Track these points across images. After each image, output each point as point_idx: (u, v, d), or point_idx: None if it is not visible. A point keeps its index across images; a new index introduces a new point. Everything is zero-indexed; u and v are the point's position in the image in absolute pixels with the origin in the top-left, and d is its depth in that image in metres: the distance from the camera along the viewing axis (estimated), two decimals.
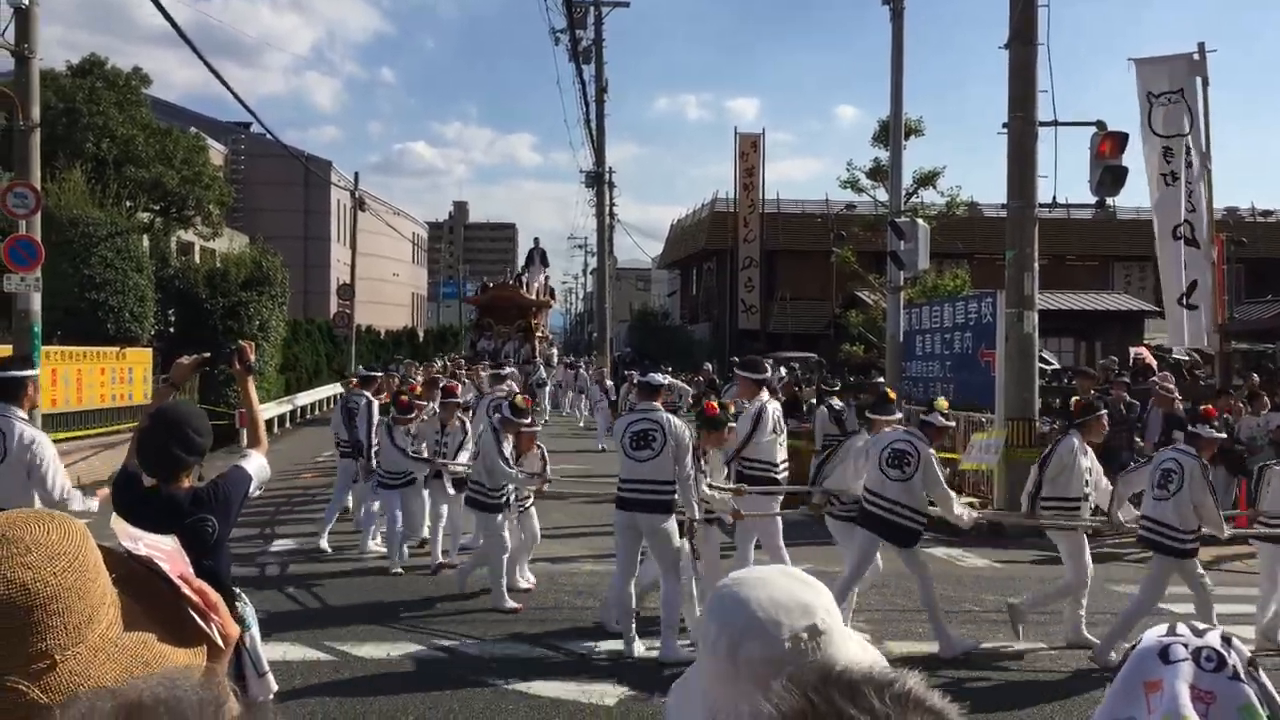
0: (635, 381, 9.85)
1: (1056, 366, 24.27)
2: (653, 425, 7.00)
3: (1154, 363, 18.82)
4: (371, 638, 7.31)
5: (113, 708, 0.84)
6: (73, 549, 1.27)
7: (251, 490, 3.74)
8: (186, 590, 1.47)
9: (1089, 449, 7.69)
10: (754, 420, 8.07)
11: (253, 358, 4.11)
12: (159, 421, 3.54)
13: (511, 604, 8.17)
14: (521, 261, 44.41)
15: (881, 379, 16.19)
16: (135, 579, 1.44)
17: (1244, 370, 18.76)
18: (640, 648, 6.94)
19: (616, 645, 7.09)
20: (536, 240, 38.00)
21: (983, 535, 11.45)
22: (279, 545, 10.70)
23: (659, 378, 7.65)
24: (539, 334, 33.28)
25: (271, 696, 3.90)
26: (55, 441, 6.13)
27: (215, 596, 1.50)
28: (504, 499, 8.50)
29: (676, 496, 7.00)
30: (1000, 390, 11.91)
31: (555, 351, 36.42)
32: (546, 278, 36.84)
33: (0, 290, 11.97)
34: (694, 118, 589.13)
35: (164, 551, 1.51)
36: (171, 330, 20.88)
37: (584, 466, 14.78)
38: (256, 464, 3.80)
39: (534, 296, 34.18)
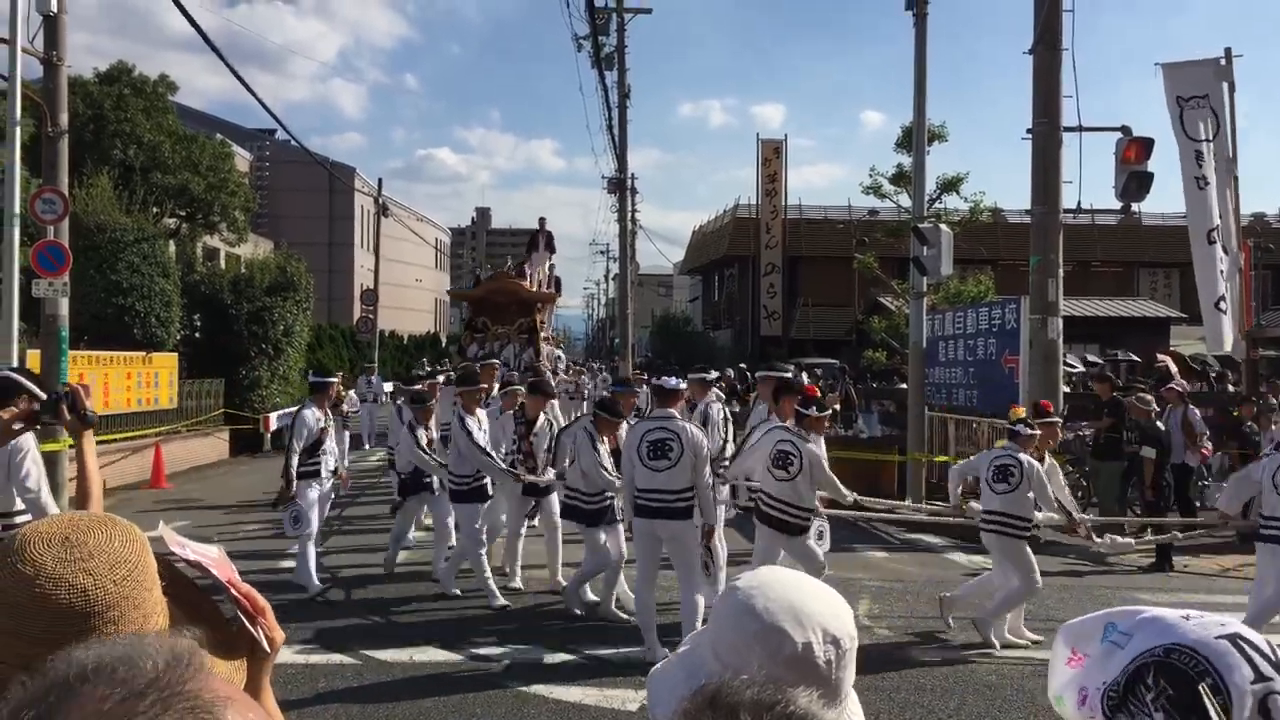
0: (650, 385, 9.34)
1: (1082, 370, 24.05)
2: (670, 435, 6.94)
3: (1175, 370, 18.64)
4: (394, 642, 7.34)
5: (71, 675, 0.81)
6: (133, 557, 1.27)
7: None
8: (235, 594, 1.48)
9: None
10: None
11: (88, 404, 3.05)
12: None
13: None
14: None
15: (904, 385, 16.11)
16: (180, 588, 1.45)
17: (1271, 377, 18.55)
18: (663, 653, 6.93)
19: (639, 650, 7.08)
20: (542, 221, 28.26)
21: None
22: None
23: (673, 381, 7.40)
24: (544, 334, 25.87)
25: None
26: None
27: (263, 601, 1.51)
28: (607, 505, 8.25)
29: (694, 501, 6.98)
30: (1024, 397, 11.85)
31: (560, 352, 29.14)
32: (552, 267, 28.20)
33: (29, 295, 12.09)
34: (717, 123, 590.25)
35: (211, 559, 1.52)
36: (197, 335, 21.05)
37: None
38: None
39: (538, 289, 26.01)
